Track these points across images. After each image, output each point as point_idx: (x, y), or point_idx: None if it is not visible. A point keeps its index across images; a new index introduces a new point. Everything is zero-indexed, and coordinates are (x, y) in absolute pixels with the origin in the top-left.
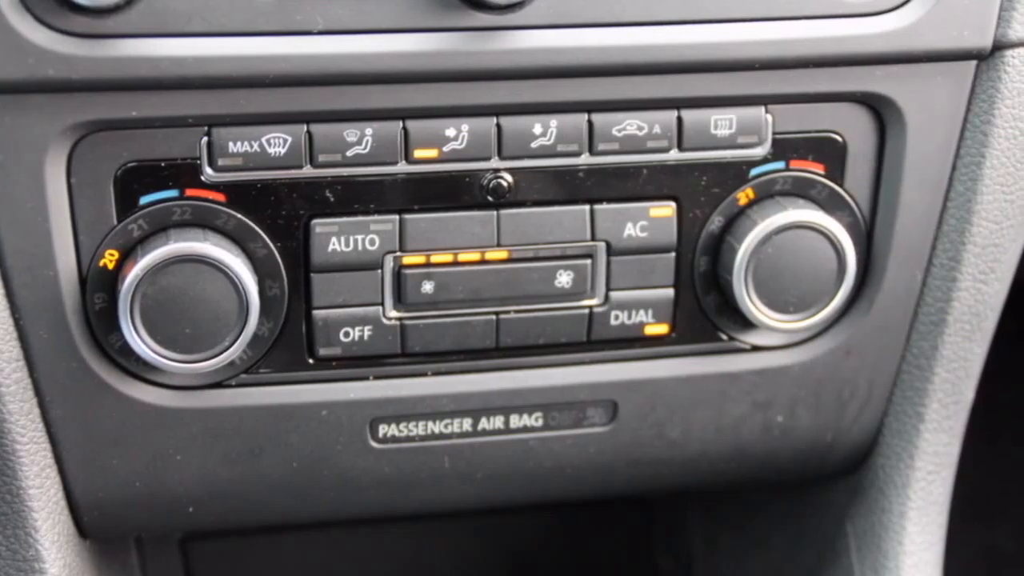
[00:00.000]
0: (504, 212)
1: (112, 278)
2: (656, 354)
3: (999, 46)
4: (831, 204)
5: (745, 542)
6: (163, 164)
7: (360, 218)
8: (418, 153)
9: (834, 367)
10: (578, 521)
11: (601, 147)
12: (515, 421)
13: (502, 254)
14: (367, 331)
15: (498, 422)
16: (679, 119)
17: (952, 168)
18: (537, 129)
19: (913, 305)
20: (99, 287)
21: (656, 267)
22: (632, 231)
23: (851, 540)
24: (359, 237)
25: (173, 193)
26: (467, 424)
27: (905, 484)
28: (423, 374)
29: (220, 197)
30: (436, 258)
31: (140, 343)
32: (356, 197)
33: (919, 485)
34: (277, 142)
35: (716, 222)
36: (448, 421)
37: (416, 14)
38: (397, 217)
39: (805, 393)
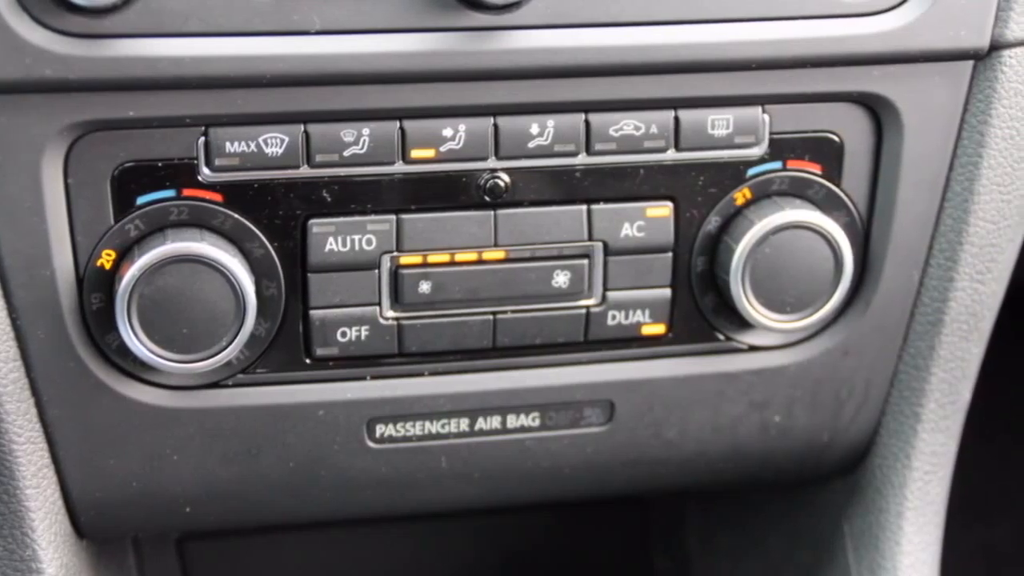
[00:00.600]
0: (501, 212)
1: (109, 278)
2: (653, 354)
3: (996, 46)
4: (828, 204)
5: (742, 542)
6: (160, 164)
7: (357, 218)
8: (415, 153)
9: (831, 367)
10: (575, 521)
11: (598, 147)
12: (512, 421)
13: (499, 254)
14: (364, 331)
15: (495, 422)
16: (676, 119)
17: (949, 168)
18: (534, 129)
19: (910, 305)
20: (96, 287)
21: (653, 267)
22: (629, 231)
23: (848, 540)
24: (356, 237)
25: (170, 193)
26: (464, 424)
27: (902, 484)
28: (420, 374)
29: (217, 197)
30: (433, 258)
31: (137, 343)
32: (353, 197)
33: (916, 485)
34: (274, 142)
35: (713, 222)
36: (445, 421)
37: (413, 14)
38: (394, 217)
39: (802, 393)
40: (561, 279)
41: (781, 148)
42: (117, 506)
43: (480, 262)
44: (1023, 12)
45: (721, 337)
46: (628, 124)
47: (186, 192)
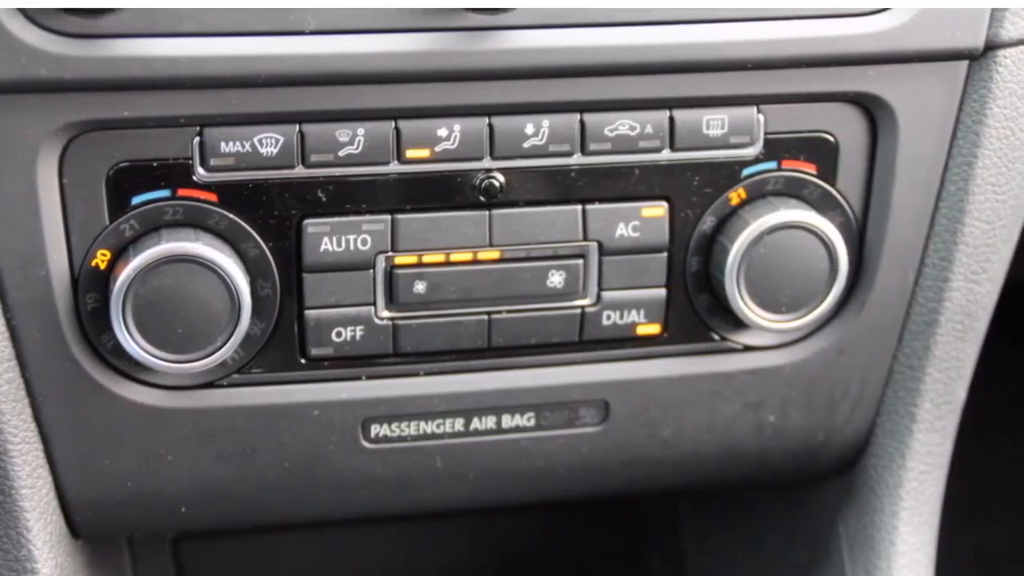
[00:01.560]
0: (496, 212)
1: (104, 278)
2: (648, 354)
3: (991, 46)
4: (823, 204)
5: (737, 542)
6: (155, 164)
7: (352, 218)
8: (410, 153)
9: (826, 367)
10: (571, 521)
11: (593, 147)
12: (507, 421)
13: (494, 254)
14: (359, 331)
15: (490, 422)
16: (671, 119)
17: (944, 168)
18: (529, 129)
19: (905, 305)
20: (91, 287)
21: (648, 267)
22: (624, 231)
23: (843, 540)
24: (351, 237)
25: (165, 193)
26: (459, 424)
27: (897, 484)
28: (415, 374)
29: (212, 197)
30: (428, 258)
31: (132, 343)
32: (348, 197)
33: (911, 485)
34: (269, 142)
35: (708, 222)
36: (440, 421)
37: (408, 14)
38: (389, 217)
39: (797, 393)
40: (556, 279)
41: (776, 148)
42: (112, 506)
43: (475, 262)
44: (1018, 12)
45: (716, 337)
46: (623, 124)
47: (181, 192)
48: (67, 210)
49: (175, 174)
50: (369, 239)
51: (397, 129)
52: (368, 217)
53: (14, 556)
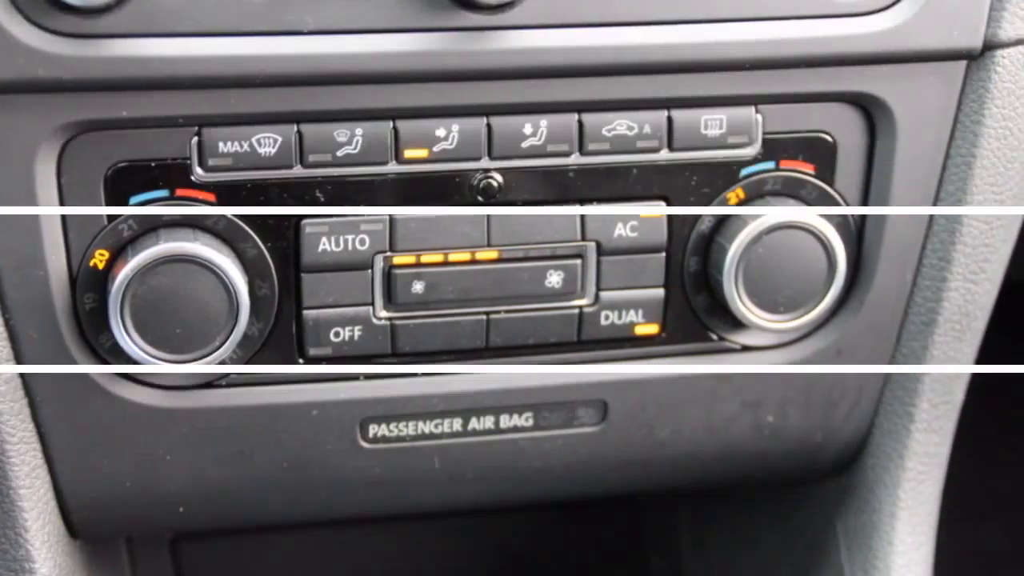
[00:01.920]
0: (494, 212)
1: (102, 278)
2: (646, 354)
3: (989, 46)
4: (821, 204)
5: (735, 542)
6: (153, 164)
7: (350, 218)
8: (408, 153)
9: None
10: (569, 521)
11: (591, 147)
12: (505, 421)
13: (492, 254)
14: (357, 331)
15: (488, 422)
16: (669, 119)
17: (942, 168)
18: (527, 129)
19: (903, 305)
20: (89, 287)
21: (646, 267)
22: (622, 231)
23: (841, 540)
24: (349, 237)
25: (163, 193)
26: (457, 424)
27: (895, 484)
28: (413, 374)
29: (210, 197)
30: (426, 258)
31: (130, 343)
32: (346, 197)
33: (909, 485)
34: (267, 142)
35: (706, 222)
36: (438, 421)
37: (406, 14)
38: (387, 217)
39: (795, 393)
40: (554, 279)
41: (774, 148)
42: (110, 506)
43: (473, 262)
44: (1016, 12)
45: (714, 337)
46: (621, 124)
47: (179, 192)
48: None
49: (173, 174)
50: (367, 239)
51: (395, 129)
52: (366, 216)
53: (12, 556)
